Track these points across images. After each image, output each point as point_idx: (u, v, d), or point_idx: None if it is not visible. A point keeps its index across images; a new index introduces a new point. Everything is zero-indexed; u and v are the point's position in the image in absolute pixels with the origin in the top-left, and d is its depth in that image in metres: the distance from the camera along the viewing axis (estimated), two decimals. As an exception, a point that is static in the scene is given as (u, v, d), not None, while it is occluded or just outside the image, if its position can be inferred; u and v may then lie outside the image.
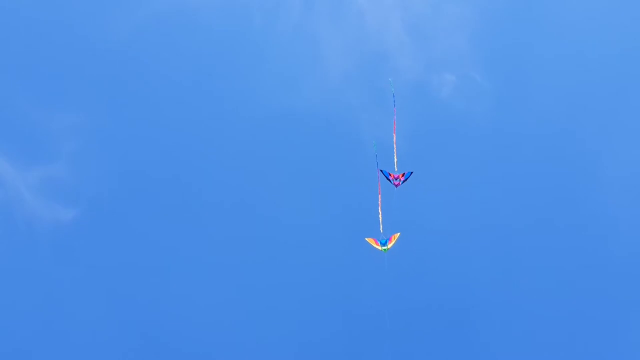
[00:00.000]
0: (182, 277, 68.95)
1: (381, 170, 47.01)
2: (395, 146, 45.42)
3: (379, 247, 46.60)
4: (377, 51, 78.05)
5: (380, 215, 46.06)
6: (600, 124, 74.92)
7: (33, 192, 69.52)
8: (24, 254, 67.89)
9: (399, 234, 46.92)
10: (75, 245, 69.15)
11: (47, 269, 67.61)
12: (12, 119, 72.16)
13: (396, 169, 46.29)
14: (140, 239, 70.28)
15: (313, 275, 69.67)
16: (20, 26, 75.41)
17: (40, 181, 70.21)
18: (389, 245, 46.71)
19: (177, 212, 71.76)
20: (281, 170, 73.97)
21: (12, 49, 74.62)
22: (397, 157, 46.00)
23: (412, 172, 46.56)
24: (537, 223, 71.60)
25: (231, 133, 75.33)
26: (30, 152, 71.37)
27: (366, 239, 47.44)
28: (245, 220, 71.95)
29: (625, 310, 68.11)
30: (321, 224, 71.95)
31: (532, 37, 77.95)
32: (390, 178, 46.40)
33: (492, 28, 78.93)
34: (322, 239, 70.96)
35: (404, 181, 46.34)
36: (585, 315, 68.31)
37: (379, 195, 46.18)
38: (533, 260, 70.72)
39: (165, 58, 76.82)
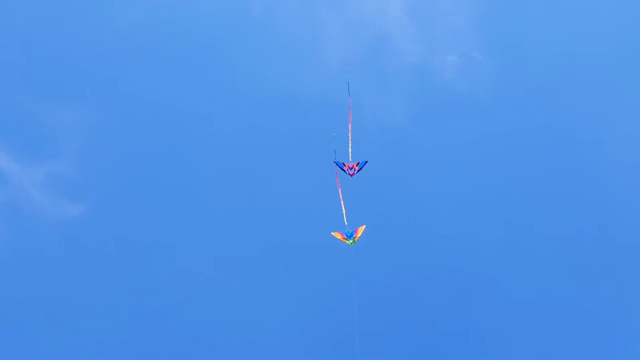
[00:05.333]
0: (189, 273, 69.10)
1: (335, 162, 46.38)
2: (350, 136, 44.75)
3: (346, 241, 45.73)
4: (378, 34, 77.36)
5: (343, 208, 45.32)
6: (606, 105, 73.44)
7: (39, 188, 70.47)
8: (30, 251, 68.73)
9: (364, 226, 46.09)
10: (82, 241, 69.68)
11: (54, 265, 68.42)
12: (17, 115, 72.78)
13: (350, 159, 45.72)
14: (147, 234, 70.47)
15: (307, 268, 69.67)
16: (26, 21, 75.91)
17: (46, 177, 71.09)
18: (355, 239, 45.77)
19: (183, 206, 72.04)
20: (282, 157, 73.89)
21: (16, 44, 75.19)
22: (351, 147, 45.32)
23: (366, 162, 46.00)
24: (540, 205, 70.63)
25: (233, 122, 75.28)
26: (35, 149, 71.99)
27: (332, 233, 46.50)
28: (250, 210, 72.10)
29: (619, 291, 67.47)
30: (321, 213, 71.50)
31: (535, 17, 76.46)
32: (345, 168, 45.89)
33: (495, 8, 77.65)
34: (321, 227, 70.29)
35: (358, 170, 45.79)
36: (583, 311, 67.63)
37: (339, 188, 45.54)
38: (537, 240, 70.23)
39: (166, 48, 76.77)
